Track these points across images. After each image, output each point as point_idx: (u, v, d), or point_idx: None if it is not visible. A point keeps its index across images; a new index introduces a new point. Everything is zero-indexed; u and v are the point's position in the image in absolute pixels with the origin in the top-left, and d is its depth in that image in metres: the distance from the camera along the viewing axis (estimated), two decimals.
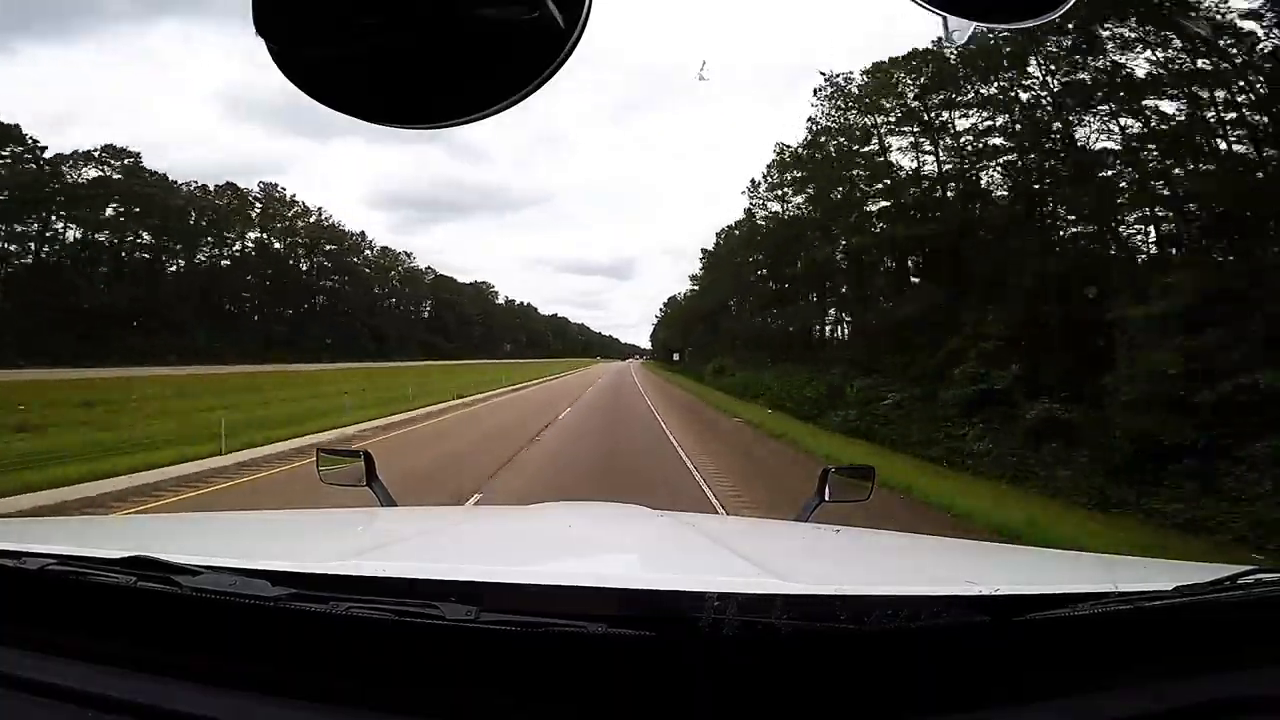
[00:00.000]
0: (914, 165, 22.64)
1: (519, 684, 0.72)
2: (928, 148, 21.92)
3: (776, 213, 31.61)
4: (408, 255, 75.31)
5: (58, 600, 0.84)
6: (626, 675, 0.71)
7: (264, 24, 0.61)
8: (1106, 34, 14.97)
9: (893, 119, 23.02)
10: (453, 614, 0.71)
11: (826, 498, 1.95)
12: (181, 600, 0.77)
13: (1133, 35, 14.56)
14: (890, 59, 22.65)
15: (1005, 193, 19.60)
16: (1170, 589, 0.81)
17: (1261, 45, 12.45)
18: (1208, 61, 13.53)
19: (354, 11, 0.60)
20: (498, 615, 0.71)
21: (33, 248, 43.99)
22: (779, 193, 31.05)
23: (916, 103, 21.94)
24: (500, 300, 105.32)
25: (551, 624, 0.71)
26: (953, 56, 19.21)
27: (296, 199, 59.60)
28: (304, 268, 60.94)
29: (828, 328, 28.97)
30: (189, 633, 0.78)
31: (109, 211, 47.46)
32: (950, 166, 21.46)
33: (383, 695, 0.73)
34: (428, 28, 0.61)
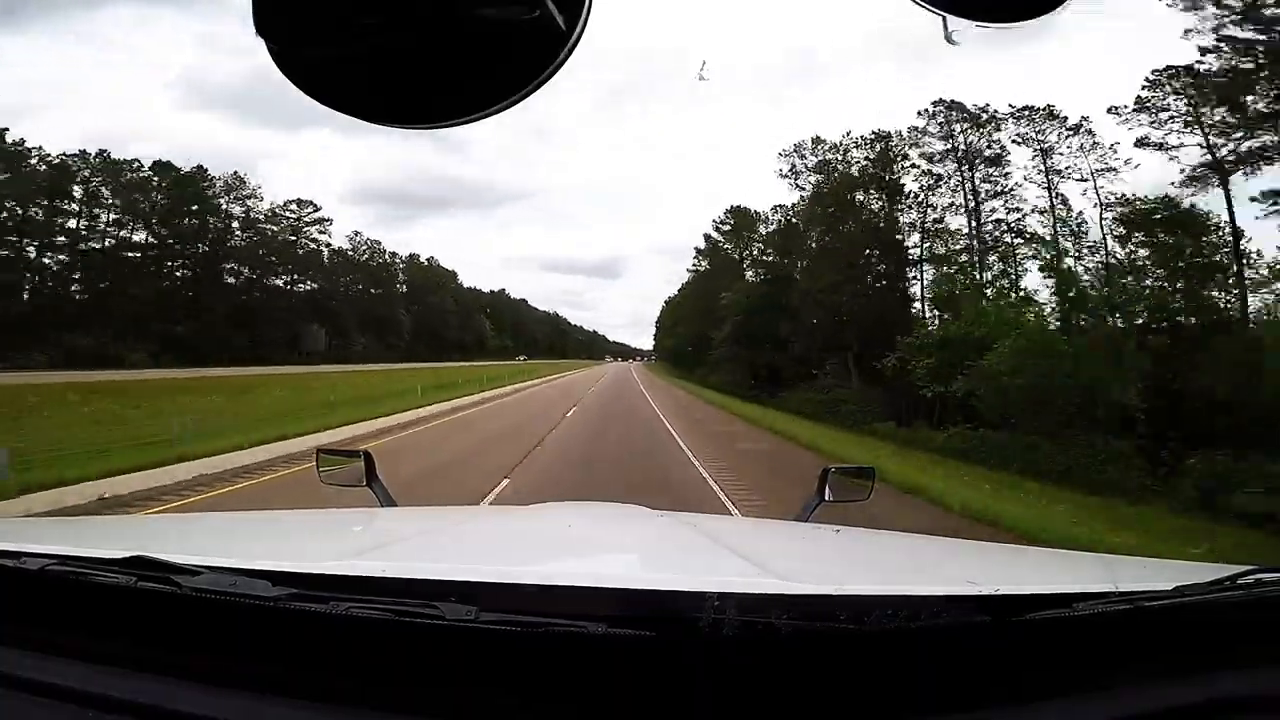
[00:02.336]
0: None
1: (519, 684, 0.72)
2: None
3: None
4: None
5: (58, 600, 0.84)
6: (626, 675, 0.71)
7: (264, 24, 0.61)
8: None
9: None
10: (452, 614, 0.71)
11: (826, 498, 1.95)
12: (182, 600, 0.77)
13: None
14: None
15: None
16: (1170, 589, 0.81)
17: None
18: None
19: (354, 11, 0.60)
20: (497, 615, 0.71)
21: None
22: None
23: None
24: (344, 244, 55.80)
25: (551, 624, 0.71)
26: None
27: None
28: None
29: None
30: (189, 633, 0.78)
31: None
32: None
33: (383, 695, 0.73)
34: (428, 28, 0.61)
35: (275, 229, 50.38)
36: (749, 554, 1.25)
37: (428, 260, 70.17)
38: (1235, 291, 18.99)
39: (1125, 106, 20.77)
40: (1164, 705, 0.76)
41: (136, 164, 44.36)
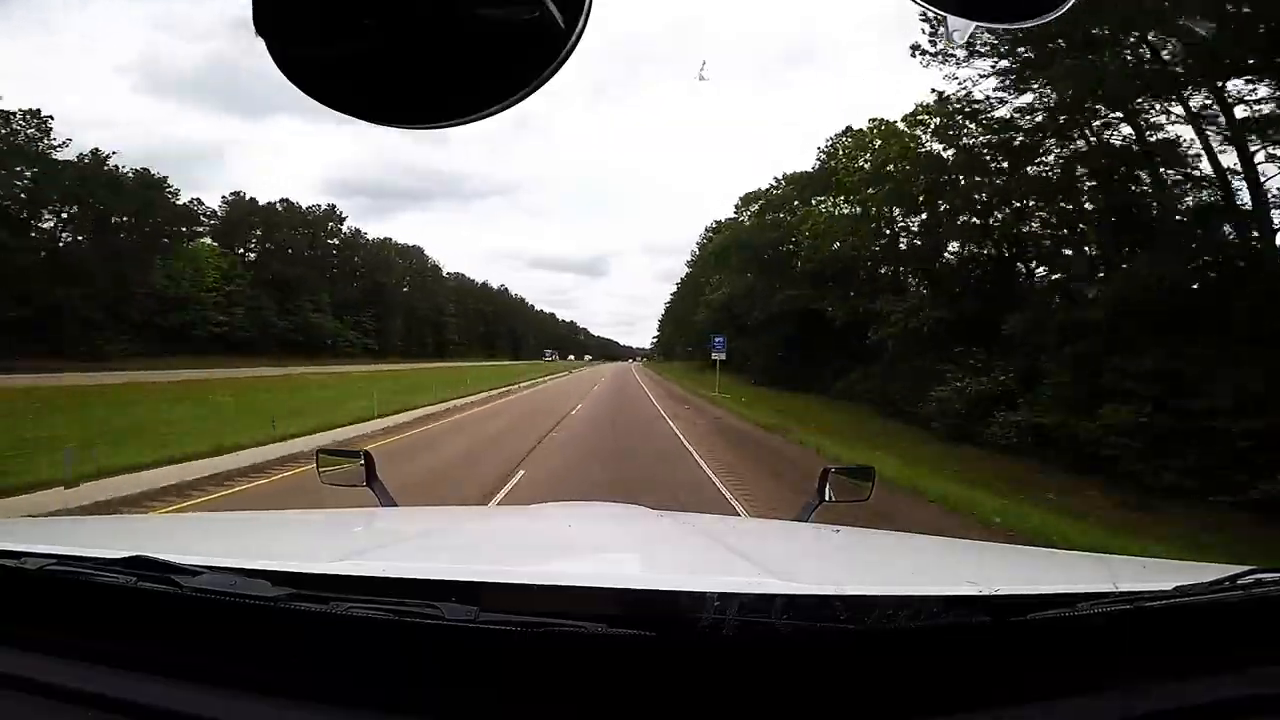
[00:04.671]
0: None
1: (519, 684, 0.72)
2: None
3: None
4: None
5: (58, 600, 0.84)
6: (626, 675, 0.71)
7: (263, 23, 0.61)
8: None
9: None
10: (452, 614, 0.71)
11: (827, 498, 1.95)
12: (181, 600, 0.77)
13: None
14: None
15: None
16: (1170, 589, 0.81)
17: None
18: None
19: (354, 11, 0.60)
20: (497, 615, 0.71)
21: None
22: None
23: None
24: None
25: (551, 624, 0.71)
26: None
27: None
28: None
29: None
30: (189, 633, 0.78)
31: None
32: None
33: (383, 695, 0.73)
34: (428, 28, 0.61)
35: None
36: (749, 554, 1.25)
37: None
38: None
39: None
40: (1164, 706, 0.76)
41: None
